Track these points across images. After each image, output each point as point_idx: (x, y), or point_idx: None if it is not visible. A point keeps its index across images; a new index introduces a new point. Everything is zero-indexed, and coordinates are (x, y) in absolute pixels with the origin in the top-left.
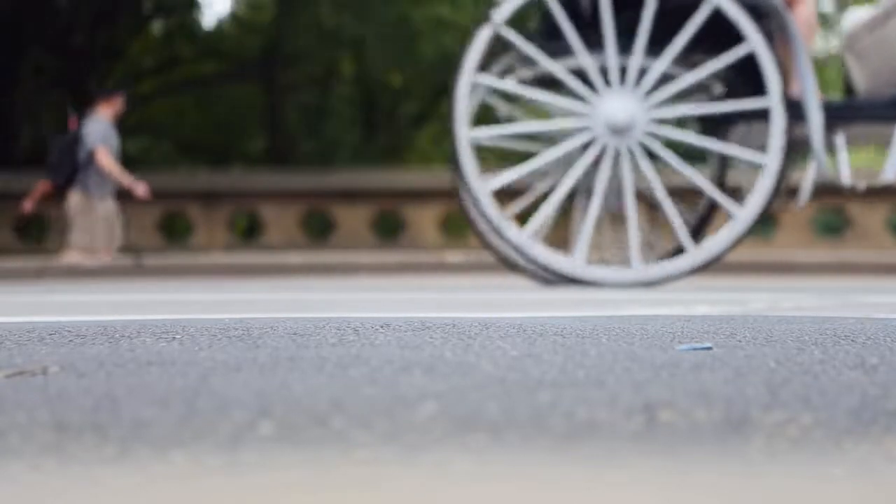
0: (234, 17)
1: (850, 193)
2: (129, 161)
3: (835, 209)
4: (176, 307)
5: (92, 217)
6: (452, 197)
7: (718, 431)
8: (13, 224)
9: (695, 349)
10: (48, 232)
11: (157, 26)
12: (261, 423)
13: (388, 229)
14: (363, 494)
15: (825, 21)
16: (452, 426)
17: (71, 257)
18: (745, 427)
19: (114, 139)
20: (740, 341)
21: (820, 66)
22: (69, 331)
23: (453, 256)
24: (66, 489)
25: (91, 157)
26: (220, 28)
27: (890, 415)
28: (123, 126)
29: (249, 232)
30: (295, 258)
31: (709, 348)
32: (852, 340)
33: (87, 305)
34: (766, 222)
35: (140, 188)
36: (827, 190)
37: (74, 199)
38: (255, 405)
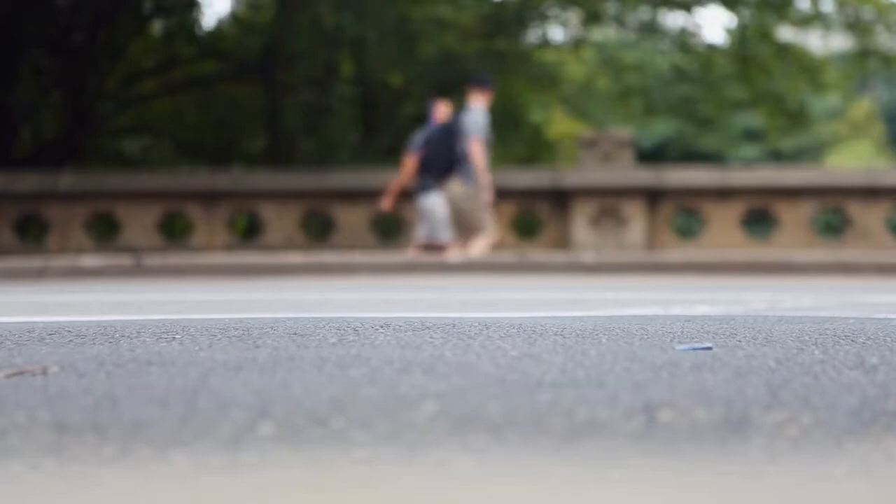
0: (234, 17)
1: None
2: (129, 161)
3: (835, 209)
4: (176, 307)
5: (476, 206)
6: None
7: (718, 431)
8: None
9: (695, 349)
10: (48, 232)
11: (157, 26)
12: (261, 423)
13: (388, 229)
14: (363, 494)
15: (824, 21)
16: (452, 426)
17: (477, 247)
18: (745, 427)
19: (488, 130)
20: (740, 341)
21: (819, 65)
22: (69, 331)
23: (453, 256)
24: (66, 489)
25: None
26: (220, 28)
27: (890, 415)
28: (122, 126)
29: (249, 232)
30: (295, 258)
31: (709, 348)
32: (852, 340)
33: (87, 305)
34: (765, 222)
35: (488, 194)
36: (827, 189)
37: (457, 189)
38: (255, 405)
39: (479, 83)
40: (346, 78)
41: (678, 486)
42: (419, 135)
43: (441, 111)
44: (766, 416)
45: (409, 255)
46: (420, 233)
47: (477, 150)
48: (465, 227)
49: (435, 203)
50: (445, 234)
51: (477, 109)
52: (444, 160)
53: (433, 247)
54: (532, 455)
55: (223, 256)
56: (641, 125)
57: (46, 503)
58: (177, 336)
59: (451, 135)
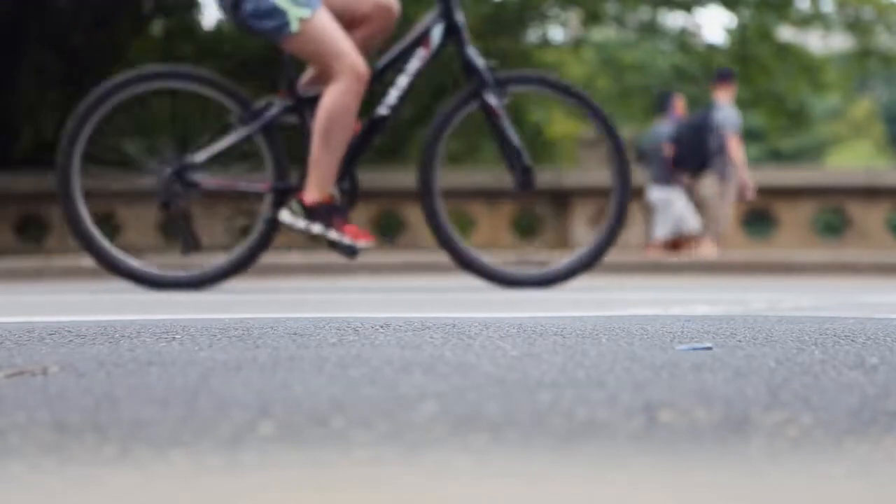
0: None
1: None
2: (128, 161)
3: (835, 209)
4: (176, 307)
5: (724, 204)
6: (451, 196)
7: (718, 431)
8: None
9: (695, 349)
10: (48, 232)
11: (157, 26)
12: (261, 423)
13: (388, 229)
14: (363, 494)
15: (824, 21)
16: (453, 426)
17: (706, 249)
18: (745, 427)
19: (740, 123)
20: (740, 341)
21: (819, 65)
22: (69, 331)
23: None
24: (66, 489)
25: (724, 143)
26: (220, 28)
27: (890, 415)
28: (123, 126)
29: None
30: (295, 258)
31: (709, 348)
32: (852, 340)
33: (87, 305)
34: (765, 222)
35: (750, 191)
36: (827, 189)
37: (708, 185)
38: (255, 405)
39: (724, 77)
40: None
41: (678, 486)
42: (660, 129)
43: (680, 106)
44: (766, 416)
45: (650, 255)
46: (659, 232)
47: (736, 146)
48: (707, 225)
49: (675, 198)
50: (694, 224)
51: (726, 104)
52: (697, 157)
53: (679, 243)
54: (532, 455)
55: (223, 256)
56: (641, 125)
57: (46, 503)
58: (177, 336)
59: (702, 131)
